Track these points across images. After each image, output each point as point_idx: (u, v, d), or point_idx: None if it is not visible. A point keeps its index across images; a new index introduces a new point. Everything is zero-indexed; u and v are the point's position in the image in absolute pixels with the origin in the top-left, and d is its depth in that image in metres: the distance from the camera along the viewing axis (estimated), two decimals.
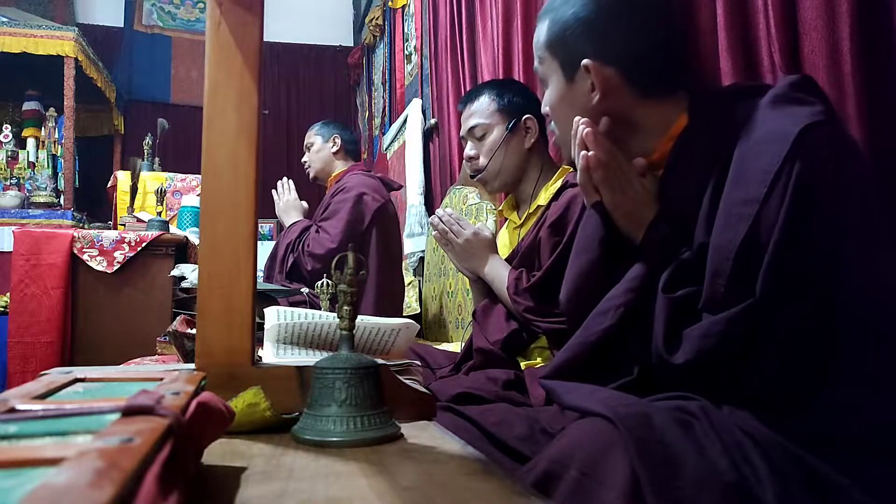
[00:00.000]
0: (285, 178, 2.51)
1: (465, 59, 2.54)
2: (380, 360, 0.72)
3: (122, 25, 5.26)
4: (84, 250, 2.34)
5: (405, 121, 3.40)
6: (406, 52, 3.77)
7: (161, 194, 2.75)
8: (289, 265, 2.25)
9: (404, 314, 2.54)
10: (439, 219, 1.51)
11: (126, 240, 2.38)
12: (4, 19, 3.59)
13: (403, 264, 2.67)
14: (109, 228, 3.22)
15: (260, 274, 2.40)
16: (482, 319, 1.42)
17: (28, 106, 3.96)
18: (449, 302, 2.33)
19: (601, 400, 0.69)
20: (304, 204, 2.48)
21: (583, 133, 0.85)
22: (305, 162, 2.59)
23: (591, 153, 0.85)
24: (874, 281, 0.67)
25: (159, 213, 2.70)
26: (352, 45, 5.64)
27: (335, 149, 2.53)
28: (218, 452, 0.60)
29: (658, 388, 0.75)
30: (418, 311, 2.69)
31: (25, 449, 0.33)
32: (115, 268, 2.36)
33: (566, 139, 0.93)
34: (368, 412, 0.65)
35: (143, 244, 2.39)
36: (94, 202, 4.26)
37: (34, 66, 3.64)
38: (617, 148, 0.86)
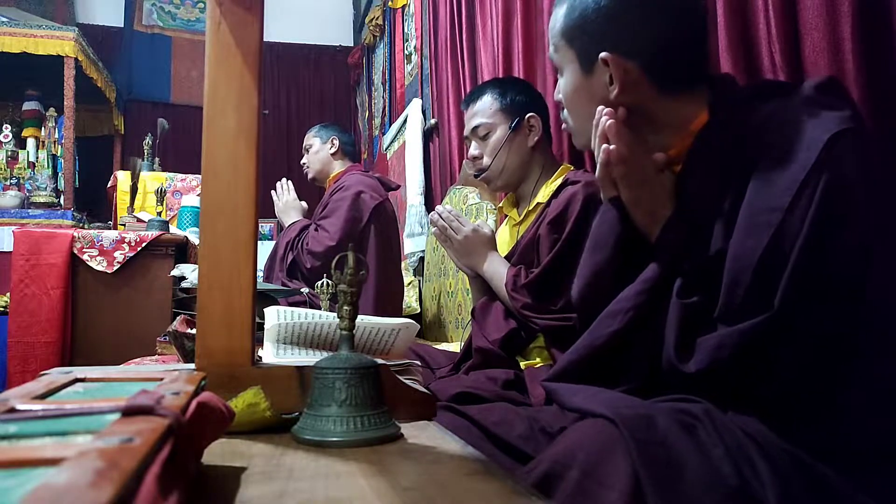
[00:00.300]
0: (284, 179, 2.52)
1: (465, 59, 2.54)
2: (380, 360, 0.72)
3: (122, 25, 5.25)
4: (84, 250, 2.34)
5: (405, 121, 3.40)
6: (406, 52, 3.77)
7: (161, 194, 2.75)
8: (288, 263, 2.26)
9: (404, 314, 2.54)
10: (439, 215, 1.51)
11: (126, 240, 2.38)
12: (4, 19, 3.59)
13: (403, 264, 2.67)
14: (109, 228, 3.22)
15: (260, 274, 2.40)
16: (481, 318, 1.42)
17: (28, 106, 3.95)
18: (449, 302, 2.33)
19: (604, 401, 0.68)
20: (304, 204, 2.50)
21: (605, 125, 0.83)
22: (304, 163, 2.62)
23: (612, 147, 0.82)
24: (892, 292, 0.65)
25: (159, 213, 2.70)
26: (352, 45, 5.64)
27: (333, 150, 2.55)
28: (218, 452, 0.60)
29: (662, 390, 0.74)
30: (418, 311, 2.69)
31: (25, 449, 0.33)
32: (115, 268, 2.36)
33: (580, 129, 0.92)
34: (368, 412, 0.65)
35: (143, 244, 2.39)
36: (94, 202, 4.26)
37: (34, 66, 3.64)
38: (637, 140, 0.83)
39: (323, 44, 5.72)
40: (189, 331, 1.04)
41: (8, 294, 2.35)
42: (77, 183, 3.77)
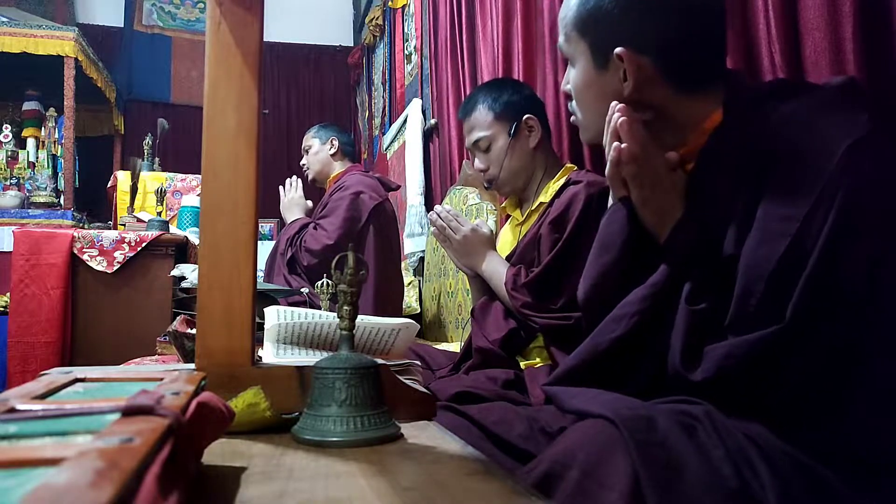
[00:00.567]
0: (294, 177, 2.53)
1: (465, 59, 2.54)
2: (380, 360, 0.72)
3: (122, 25, 5.25)
4: (84, 250, 2.34)
5: (405, 121, 3.40)
6: (406, 52, 3.77)
7: (161, 194, 2.75)
8: (287, 259, 2.27)
9: (404, 314, 2.54)
10: (437, 215, 1.51)
11: (126, 240, 2.38)
12: (4, 19, 3.59)
13: (403, 264, 2.67)
14: (109, 228, 3.22)
15: (260, 274, 2.40)
16: (481, 318, 1.42)
17: (28, 106, 3.95)
18: (449, 302, 2.33)
19: (604, 402, 0.68)
20: (309, 203, 2.49)
21: (617, 122, 0.80)
22: (304, 164, 2.62)
23: (623, 145, 0.80)
24: None
25: (159, 213, 2.70)
26: (352, 45, 5.64)
27: (333, 151, 2.56)
28: (218, 452, 0.60)
29: (664, 395, 0.73)
30: (418, 311, 2.69)
31: (25, 449, 0.33)
32: (115, 268, 2.36)
33: (588, 123, 0.90)
34: (368, 412, 0.65)
35: (143, 244, 2.39)
36: (94, 202, 4.26)
37: (34, 66, 3.64)
38: (650, 138, 0.81)
39: (323, 44, 5.72)
40: (189, 331, 1.04)
41: (8, 294, 2.35)
42: (77, 183, 3.77)
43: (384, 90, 4.25)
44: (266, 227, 4.28)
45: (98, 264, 2.35)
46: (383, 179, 2.55)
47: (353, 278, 0.69)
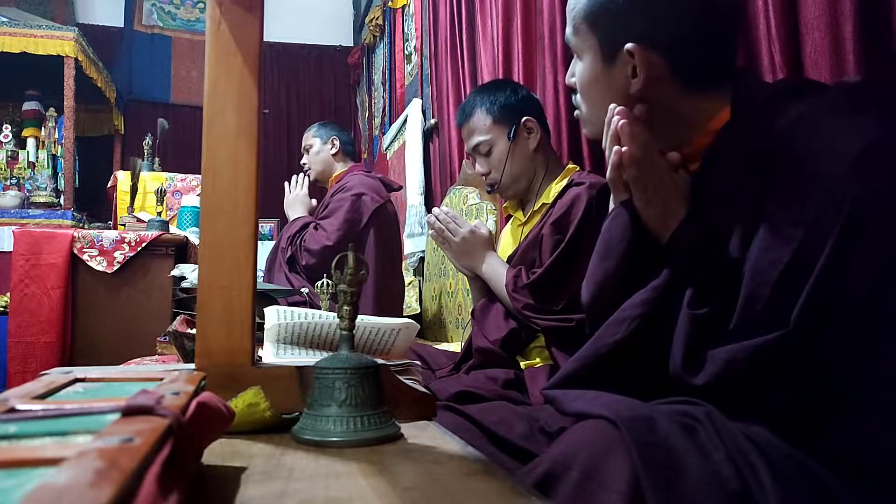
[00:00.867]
0: (302, 174, 2.52)
1: (465, 59, 2.54)
2: (380, 360, 0.72)
3: (122, 25, 5.26)
4: (84, 250, 2.34)
5: (405, 121, 3.40)
6: (406, 52, 3.77)
7: (161, 194, 2.75)
8: (287, 257, 2.27)
9: (404, 314, 2.54)
10: (436, 217, 1.51)
11: (126, 240, 2.39)
12: (4, 19, 3.59)
13: (403, 264, 2.67)
14: (109, 228, 3.22)
15: (260, 273, 2.40)
16: (481, 318, 1.42)
17: (28, 106, 3.96)
18: (449, 302, 2.33)
19: (604, 403, 0.67)
20: (313, 201, 2.48)
21: (618, 125, 0.79)
22: (305, 164, 2.60)
23: (624, 149, 0.78)
24: None
25: (159, 213, 2.71)
26: (352, 45, 5.64)
27: (334, 150, 2.54)
28: (218, 452, 0.60)
29: (664, 395, 0.73)
30: (418, 311, 2.69)
31: (25, 449, 0.33)
32: (115, 268, 2.36)
33: (593, 118, 0.88)
34: (368, 412, 0.65)
35: (143, 244, 2.39)
36: (94, 202, 4.27)
37: (34, 66, 3.64)
38: (652, 139, 0.80)
39: (323, 44, 5.72)
40: (189, 331, 1.04)
41: (8, 294, 2.35)
42: (77, 183, 3.77)
43: (384, 90, 4.25)
44: (266, 227, 4.28)
45: (98, 264, 2.35)
46: (385, 180, 2.53)
47: (353, 278, 0.69)
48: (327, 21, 5.67)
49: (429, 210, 3.02)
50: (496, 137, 1.48)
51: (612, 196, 0.88)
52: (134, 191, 3.37)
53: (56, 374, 0.55)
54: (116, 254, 2.37)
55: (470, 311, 1.52)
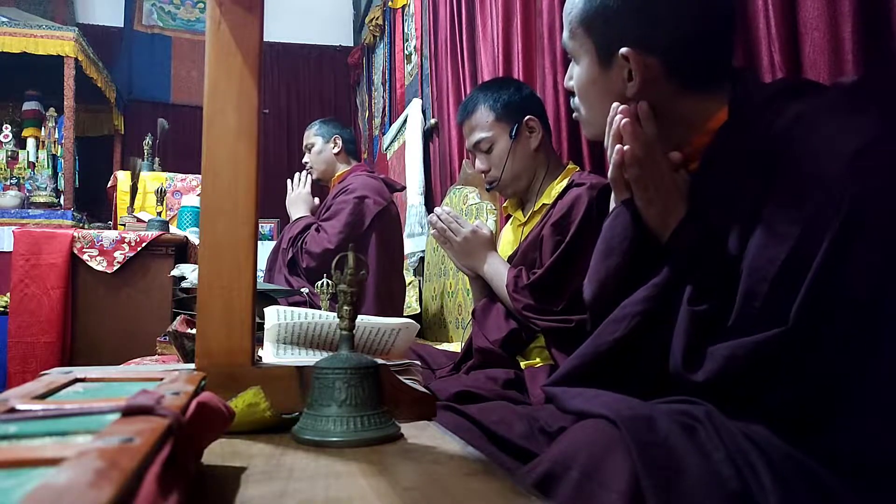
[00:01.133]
0: (304, 172, 2.49)
1: (465, 59, 2.54)
2: (380, 360, 0.72)
3: (122, 25, 5.26)
4: (84, 250, 2.35)
5: (405, 121, 3.40)
6: (406, 52, 3.77)
7: (161, 194, 2.75)
8: (288, 259, 2.26)
9: (404, 314, 2.54)
10: (437, 217, 1.50)
11: (126, 240, 2.39)
12: (4, 19, 3.59)
13: (404, 264, 2.66)
14: (109, 228, 3.22)
15: (261, 273, 2.39)
16: (481, 318, 1.42)
17: (28, 106, 3.96)
18: (449, 302, 2.33)
19: (604, 402, 0.68)
20: (316, 200, 2.46)
21: (620, 124, 0.79)
22: (307, 163, 2.56)
23: (626, 147, 0.79)
24: None
25: (159, 213, 2.71)
26: (352, 45, 5.64)
27: (336, 149, 2.50)
28: (218, 452, 0.60)
29: (665, 395, 0.73)
30: (418, 311, 2.69)
31: (25, 449, 0.33)
32: (115, 268, 2.36)
33: (592, 120, 0.89)
34: (368, 412, 0.65)
35: (143, 244, 2.39)
36: (94, 202, 4.27)
37: (34, 66, 3.64)
38: (656, 138, 0.80)
39: (323, 44, 5.72)
40: (189, 331, 1.04)
41: (8, 294, 2.35)
42: (77, 183, 3.77)
43: (384, 90, 4.25)
44: (266, 227, 4.28)
45: (98, 264, 2.35)
46: (388, 181, 2.50)
47: (353, 278, 0.69)
48: (327, 21, 5.67)
49: (429, 210, 3.02)
50: (498, 135, 1.48)
51: (612, 195, 0.88)
52: (134, 191, 3.37)
53: (56, 374, 0.55)
54: (116, 254, 2.37)
55: (470, 310, 1.52)
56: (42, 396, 0.45)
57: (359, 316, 0.73)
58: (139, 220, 2.77)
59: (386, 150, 3.97)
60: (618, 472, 0.57)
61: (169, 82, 5.28)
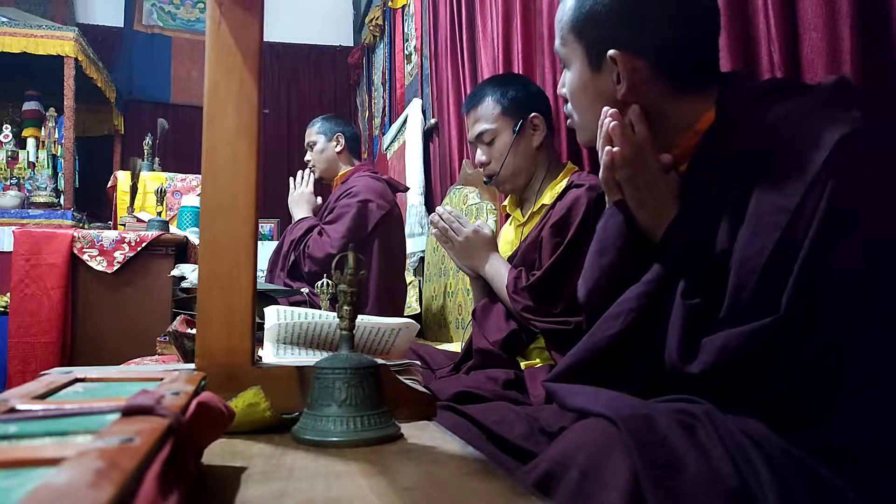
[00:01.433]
0: (307, 170, 2.46)
1: (465, 59, 2.54)
2: (380, 360, 0.72)
3: (122, 25, 5.26)
4: (84, 250, 2.34)
5: (405, 121, 3.40)
6: (406, 52, 3.77)
7: (161, 194, 2.75)
8: (290, 263, 2.24)
9: (404, 314, 2.53)
10: (439, 216, 1.50)
11: (126, 240, 2.38)
12: (4, 19, 3.59)
13: (406, 264, 2.66)
14: (109, 228, 3.22)
15: (262, 272, 2.39)
16: (482, 319, 1.42)
17: (28, 106, 3.96)
18: (449, 302, 2.33)
19: (604, 401, 0.68)
20: (318, 199, 2.43)
21: (609, 127, 0.81)
22: (309, 161, 2.52)
23: (616, 149, 0.81)
24: None
25: (159, 213, 2.70)
26: (352, 45, 5.64)
27: (339, 148, 2.46)
28: (218, 452, 0.60)
29: (663, 392, 0.74)
30: (418, 311, 2.69)
31: (25, 449, 0.33)
32: (115, 268, 2.36)
33: (585, 125, 0.90)
34: (368, 412, 0.65)
35: (143, 244, 2.39)
36: (94, 202, 4.26)
37: (34, 66, 3.64)
38: (647, 140, 0.82)
39: (323, 44, 5.72)
40: (189, 331, 1.04)
41: (8, 294, 2.35)
42: (77, 183, 3.77)
43: (384, 90, 4.25)
44: (266, 227, 4.28)
45: (98, 264, 2.35)
46: (392, 181, 2.46)
47: (353, 278, 0.69)
48: (327, 21, 5.67)
49: (429, 210, 3.02)
50: (501, 128, 1.48)
51: (605, 196, 0.89)
52: (134, 191, 3.37)
53: (56, 374, 0.55)
54: (116, 254, 2.37)
55: (470, 311, 1.51)
56: (42, 396, 0.45)
57: (359, 316, 0.73)
58: (139, 220, 2.77)
59: (386, 150, 3.97)
60: (618, 472, 0.58)
61: (169, 82, 5.28)
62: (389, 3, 4.02)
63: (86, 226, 3.50)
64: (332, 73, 5.69)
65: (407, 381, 0.79)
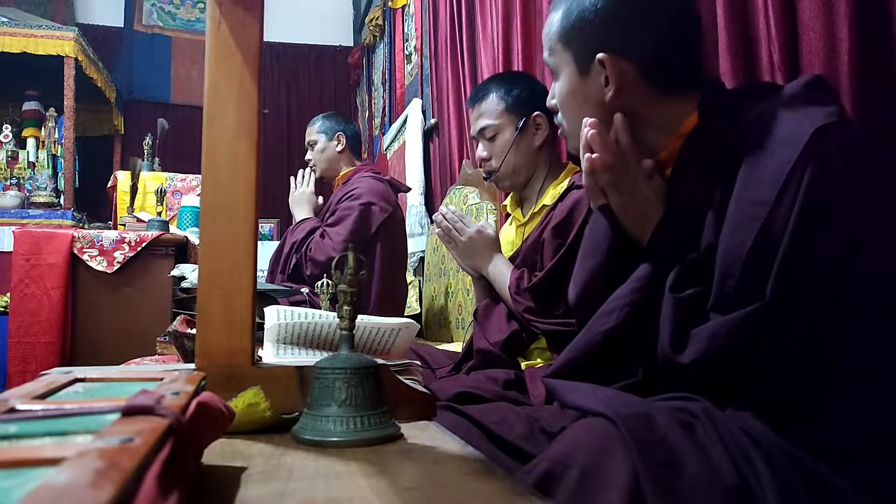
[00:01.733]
0: (308, 169, 2.43)
1: (465, 59, 2.54)
2: (380, 360, 0.72)
3: (122, 25, 5.26)
4: (84, 250, 2.35)
5: (405, 121, 3.40)
6: (406, 52, 3.77)
7: (161, 194, 2.75)
8: (291, 265, 2.22)
9: (405, 314, 2.53)
10: (443, 216, 1.50)
11: (126, 240, 2.39)
12: (4, 19, 3.59)
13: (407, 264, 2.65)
14: (109, 228, 3.22)
15: (262, 272, 2.39)
16: (483, 319, 1.42)
17: (28, 106, 3.96)
18: (449, 302, 2.33)
19: (603, 400, 0.69)
20: (319, 199, 2.41)
21: (588, 135, 0.84)
22: (310, 160, 2.49)
23: (595, 156, 0.83)
24: (886, 287, 0.65)
25: (159, 213, 2.70)
26: (352, 45, 5.64)
27: (340, 147, 2.43)
28: (218, 452, 0.60)
29: (661, 389, 0.74)
30: (418, 311, 2.69)
31: (25, 449, 0.33)
32: (115, 268, 2.36)
33: (574, 132, 0.92)
34: (368, 412, 0.65)
35: (143, 244, 2.39)
36: (94, 202, 4.26)
37: (34, 66, 3.64)
38: (629, 146, 0.84)
39: (323, 44, 5.72)
40: (189, 331, 1.04)
41: (8, 294, 2.35)
42: (77, 183, 3.77)
43: (384, 90, 4.25)
44: (266, 227, 4.28)
45: (98, 264, 2.35)
46: (394, 182, 2.43)
47: (353, 278, 0.69)
48: (327, 21, 5.67)
49: (429, 210, 3.02)
50: (504, 125, 1.48)
51: (590, 203, 0.92)
52: (134, 191, 3.37)
53: (56, 374, 0.55)
54: (116, 254, 2.37)
55: (471, 311, 1.51)
56: (42, 396, 0.45)
57: (359, 316, 0.73)
58: (139, 220, 2.77)
59: (386, 150, 3.97)
60: (617, 471, 0.58)
61: (169, 82, 5.28)
62: (389, 3, 4.02)
63: (86, 226, 3.50)
64: (332, 73, 5.69)
65: (407, 381, 0.79)
